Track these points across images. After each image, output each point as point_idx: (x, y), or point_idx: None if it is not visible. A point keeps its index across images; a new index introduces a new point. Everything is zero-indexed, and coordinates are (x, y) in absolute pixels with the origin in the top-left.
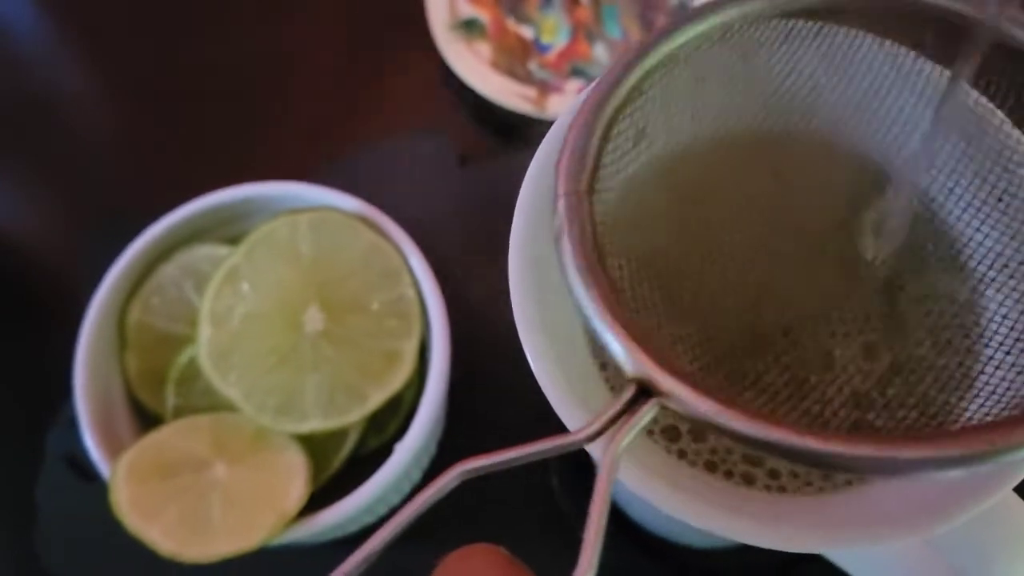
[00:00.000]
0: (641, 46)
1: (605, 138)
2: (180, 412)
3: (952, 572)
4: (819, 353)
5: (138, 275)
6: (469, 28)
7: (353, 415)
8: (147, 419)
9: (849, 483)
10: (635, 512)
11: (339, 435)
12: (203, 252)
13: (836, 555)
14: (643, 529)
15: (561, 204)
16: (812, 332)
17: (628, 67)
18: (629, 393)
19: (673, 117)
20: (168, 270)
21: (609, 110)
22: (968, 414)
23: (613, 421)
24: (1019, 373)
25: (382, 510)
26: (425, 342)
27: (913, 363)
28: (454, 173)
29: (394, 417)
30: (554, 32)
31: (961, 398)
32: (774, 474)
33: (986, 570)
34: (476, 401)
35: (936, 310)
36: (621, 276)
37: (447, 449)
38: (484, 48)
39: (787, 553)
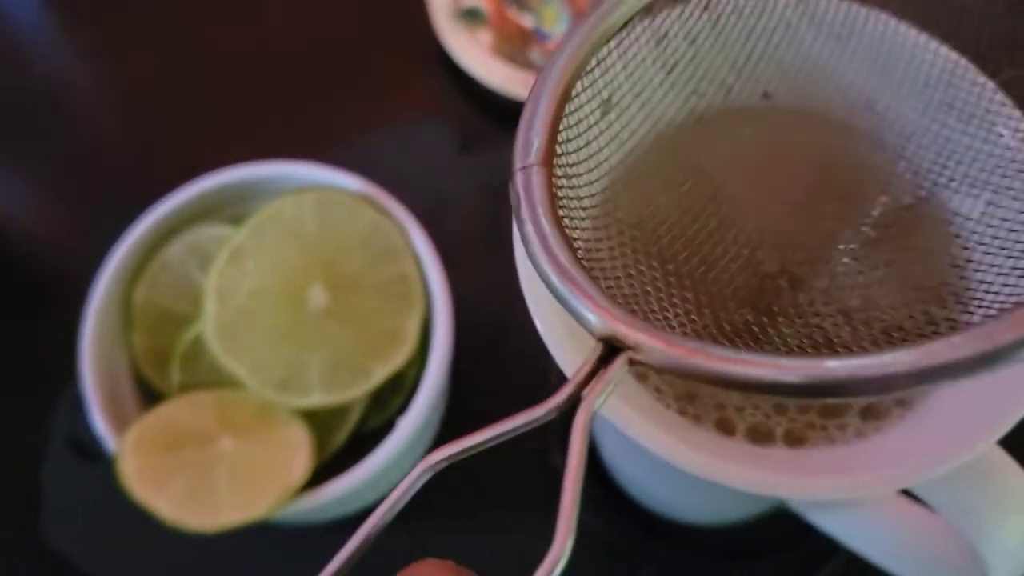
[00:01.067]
0: (590, 14)
1: (560, 110)
2: (185, 389)
3: (950, 531)
4: (816, 296)
5: (143, 255)
6: (470, 17)
7: (356, 391)
8: (152, 397)
9: (831, 440)
10: (636, 489)
11: (342, 411)
12: (209, 232)
13: (830, 523)
14: (645, 508)
15: (516, 179)
16: (809, 280)
17: (579, 37)
18: (596, 353)
19: (641, 83)
20: (174, 250)
21: (561, 82)
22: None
23: (583, 385)
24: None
25: (385, 487)
26: (427, 320)
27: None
28: (456, 159)
29: (396, 395)
30: (555, 20)
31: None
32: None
33: (975, 525)
34: (478, 379)
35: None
36: (617, 244)
37: (450, 427)
38: (485, 36)
39: (787, 530)
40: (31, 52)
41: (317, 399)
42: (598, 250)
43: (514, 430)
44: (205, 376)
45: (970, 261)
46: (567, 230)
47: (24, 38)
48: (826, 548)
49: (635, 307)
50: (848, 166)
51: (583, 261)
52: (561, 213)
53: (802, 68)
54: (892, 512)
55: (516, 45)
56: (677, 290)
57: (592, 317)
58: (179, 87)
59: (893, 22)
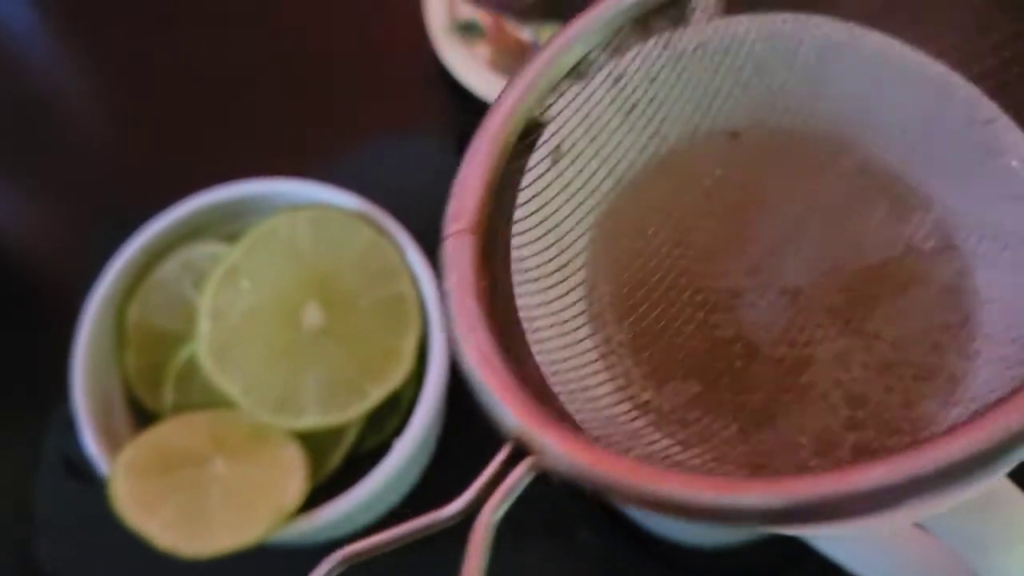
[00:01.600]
0: (533, 62)
1: (498, 168)
2: (179, 409)
3: (953, 558)
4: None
5: (137, 273)
6: (468, 30)
7: (351, 412)
8: (145, 417)
9: None
10: (637, 511)
11: (337, 432)
12: (203, 250)
13: (832, 547)
14: (645, 528)
15: (444, 247)
16: (765, 350)
17: (521, 85)
18: (502, 455)
19: (596, 126)
20: (167, 268)
21: (500, 136)
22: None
23: (488, 491)
24: (1007, 368)
25: (381, 508)
26: (424, 340)
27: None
28: (452, 173)
29: (392, 416)
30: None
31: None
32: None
33: (982, 556)
34: (474, 400)
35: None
36: (560, 308)
37: (446, 448)
38: (483, 50)
39: (788, 552)
40: (25, 64)
41: (312, 420)
42: (537, 317)
43: (416, 532)
44: (199, 397)
45: (937, 346)
46: (500, 300)
47: (17, 49)
48: (828, 571)
49: (565, 388)
50: (818, 217)
51: (517, 333)
52: (495, 280)
53: (774, 107)
54: (896, 538)
55: (514, 58)
56: (619, 359)
57: (504, 413)
58: (173, 104)
59: (873, 58)
